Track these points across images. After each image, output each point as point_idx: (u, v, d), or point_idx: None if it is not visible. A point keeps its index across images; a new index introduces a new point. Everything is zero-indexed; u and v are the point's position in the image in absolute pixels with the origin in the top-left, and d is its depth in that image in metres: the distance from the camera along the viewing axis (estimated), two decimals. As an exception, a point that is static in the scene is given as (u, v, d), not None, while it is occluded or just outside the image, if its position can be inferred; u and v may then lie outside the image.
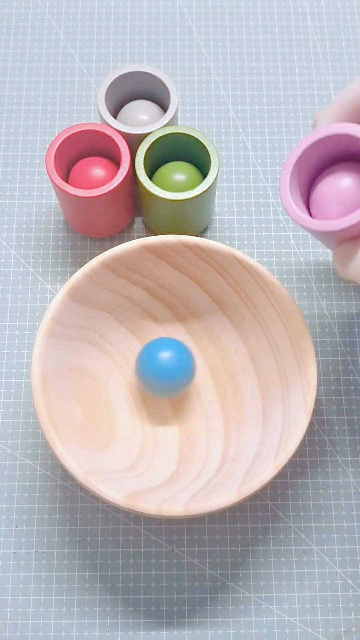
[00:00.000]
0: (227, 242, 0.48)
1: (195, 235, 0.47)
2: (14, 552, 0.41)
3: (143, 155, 0.43)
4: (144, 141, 0.43)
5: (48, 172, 0.42)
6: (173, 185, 0.43)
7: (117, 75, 0.45)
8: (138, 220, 0.49)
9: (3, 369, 0.45)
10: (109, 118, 0.44)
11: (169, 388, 0.40)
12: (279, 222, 0.49)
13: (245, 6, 0.55)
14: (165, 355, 0.40)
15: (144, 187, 0.42)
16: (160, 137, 0.43)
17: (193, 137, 0.43)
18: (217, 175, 0.42)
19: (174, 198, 0.42)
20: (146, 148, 0.43)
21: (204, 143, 0.43)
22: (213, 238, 0.48)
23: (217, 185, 0.49)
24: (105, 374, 0.42)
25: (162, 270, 0.41)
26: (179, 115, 0.51)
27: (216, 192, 0.49)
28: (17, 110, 0.52)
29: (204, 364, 0.43)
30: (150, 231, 0.48)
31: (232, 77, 0.53)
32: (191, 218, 0.44)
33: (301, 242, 0.48)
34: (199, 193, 0.42)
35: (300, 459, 0.43)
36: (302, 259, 0.48)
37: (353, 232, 0.31)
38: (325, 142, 0.32)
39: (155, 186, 0.42)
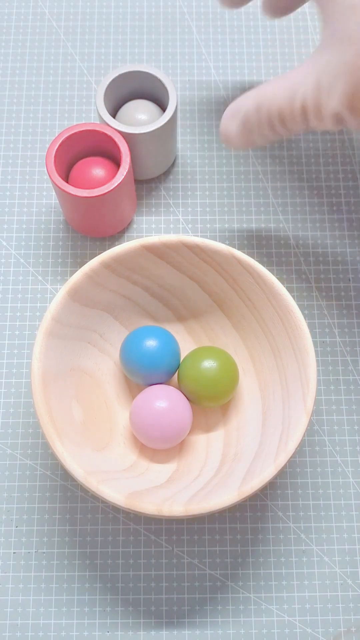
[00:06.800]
0: (227, 242, 0.48)
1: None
2: (14, 552, 0.41)
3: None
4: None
5: (48, 172, 0.42)
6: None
7: (116, 75, 0.45)
8: (138, 220, 0.49)
9: (3, 369, 0.45)
10: (107, 117, 0.44)
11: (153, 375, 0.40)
12: (279, 222, 0.49)
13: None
14: (150, 342, 0.40)
15: None
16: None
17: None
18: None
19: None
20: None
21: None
22: (213, 239, 0.48)
23: (217, 185, 0.49)
24: (105, 374, 0.42)
25: (162, 270, 0.41)
26: (178, 114, 0.51)
27: (216, 193, 0.49)
28: (17, 110, 0.52)
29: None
30: None
31: (232, 77, 0.53)
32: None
33: (301, 242, 0.48)
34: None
35: (300, 459, 0.43)
36: (302, 259, 0.48)
37: None
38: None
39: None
